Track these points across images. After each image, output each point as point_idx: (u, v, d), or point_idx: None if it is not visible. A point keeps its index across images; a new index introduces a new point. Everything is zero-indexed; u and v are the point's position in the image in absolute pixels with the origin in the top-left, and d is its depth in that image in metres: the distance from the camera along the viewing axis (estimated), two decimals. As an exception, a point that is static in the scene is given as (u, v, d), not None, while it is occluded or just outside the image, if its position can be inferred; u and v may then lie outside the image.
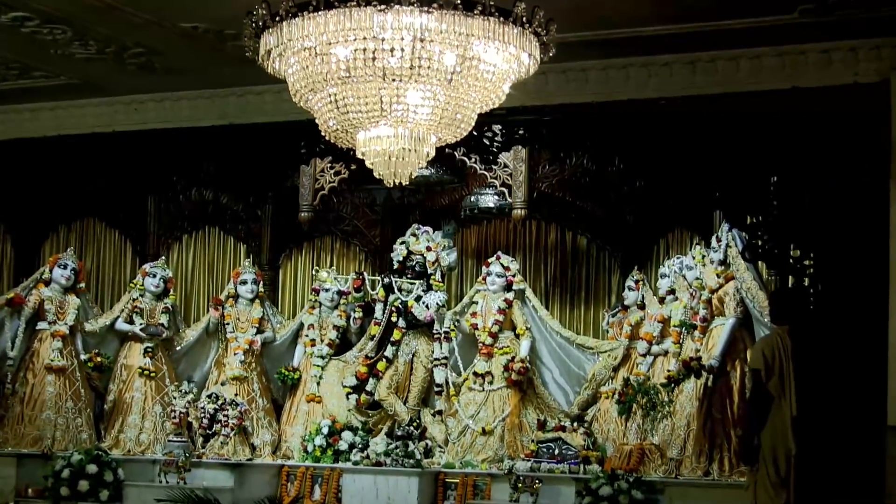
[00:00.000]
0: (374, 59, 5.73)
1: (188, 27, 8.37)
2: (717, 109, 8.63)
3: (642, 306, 9.02)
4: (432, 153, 6.36)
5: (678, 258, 8.85)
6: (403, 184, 6.49)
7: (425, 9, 5.67)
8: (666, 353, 8.65)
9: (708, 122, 8.71)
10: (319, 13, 5.71)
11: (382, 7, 5.63)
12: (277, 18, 5.86)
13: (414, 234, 9.45)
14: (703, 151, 8.77)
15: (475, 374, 9.11)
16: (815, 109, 8.26)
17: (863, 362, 7.83)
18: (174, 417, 9.17)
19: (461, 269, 10.16)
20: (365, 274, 9.53)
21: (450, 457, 8.90)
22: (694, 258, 8.52)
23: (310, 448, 9.10)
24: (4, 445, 9.21)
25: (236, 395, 9.29)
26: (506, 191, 9.06)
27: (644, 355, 8.79)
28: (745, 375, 7.86)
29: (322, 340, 9.61)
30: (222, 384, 9.41)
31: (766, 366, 7.30)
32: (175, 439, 9.11)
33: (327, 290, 9.68)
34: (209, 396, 9.23)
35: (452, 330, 9.23)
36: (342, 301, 9.70)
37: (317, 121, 6.36)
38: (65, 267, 9.61)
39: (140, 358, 9.62)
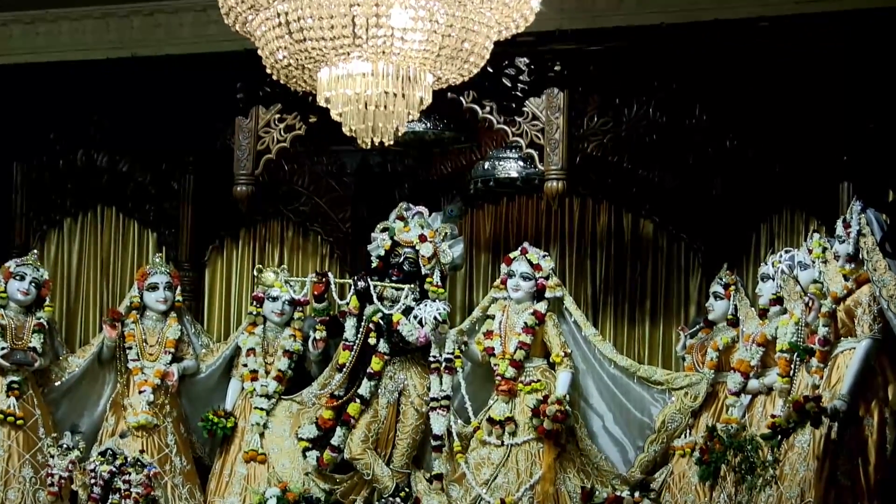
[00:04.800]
0: (342, -39, 5.73)
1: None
2: (843, 34, 8.61)
3: (735, 322, 9.09)
4: (428, 99, 6.38)
5: (787, 252, 8.85)
6: (386, 144, 6.50)
7: None
8: (770, 390, 8.67)
9: (830, 52, 8.70)
10: None
11: None
12: None
13: (401, 218, 9.44)
14: (823, 95, 8.77)
15: (491, 420, 9.12)
16: None
17: None
18: (51, 485, 9.21)
19: (469, 268, 10.20)
20: (330, 275, 9.52)
21: (454, 541, 8.97)
22: (811, 252, 8.49)
23: (250, 529, 9.13)
24: None
25: (142, 451, 9.32)
26: (535, 154, 9.06)
27: (737, 393, 8.82)
28: (887, 423, 7.83)
29: (268, 372, 9.64)
30: (122, 436, 9.44)
31: (925, 411, 7.29)
32: (53, 516, 9.13)
33: (275, 299, 9.71)
34: (103, 454, 9.22)
35: (458, 357, 9.22)
36: (297, 315, 9.74)
37: (260, 52, 6.34)
38: None
39: (2, 399, 9.59)
